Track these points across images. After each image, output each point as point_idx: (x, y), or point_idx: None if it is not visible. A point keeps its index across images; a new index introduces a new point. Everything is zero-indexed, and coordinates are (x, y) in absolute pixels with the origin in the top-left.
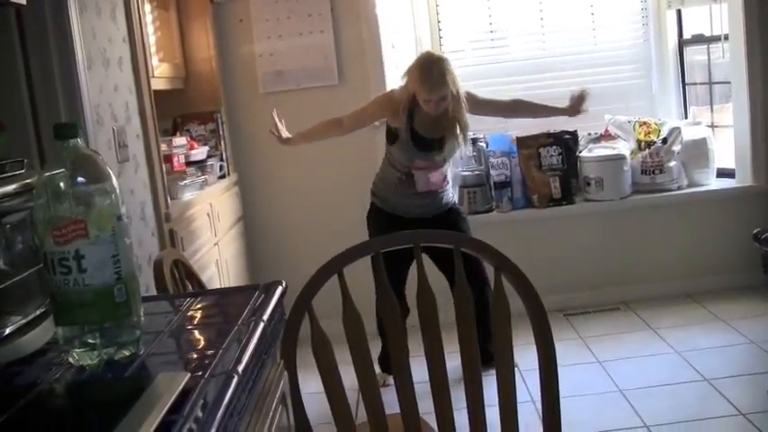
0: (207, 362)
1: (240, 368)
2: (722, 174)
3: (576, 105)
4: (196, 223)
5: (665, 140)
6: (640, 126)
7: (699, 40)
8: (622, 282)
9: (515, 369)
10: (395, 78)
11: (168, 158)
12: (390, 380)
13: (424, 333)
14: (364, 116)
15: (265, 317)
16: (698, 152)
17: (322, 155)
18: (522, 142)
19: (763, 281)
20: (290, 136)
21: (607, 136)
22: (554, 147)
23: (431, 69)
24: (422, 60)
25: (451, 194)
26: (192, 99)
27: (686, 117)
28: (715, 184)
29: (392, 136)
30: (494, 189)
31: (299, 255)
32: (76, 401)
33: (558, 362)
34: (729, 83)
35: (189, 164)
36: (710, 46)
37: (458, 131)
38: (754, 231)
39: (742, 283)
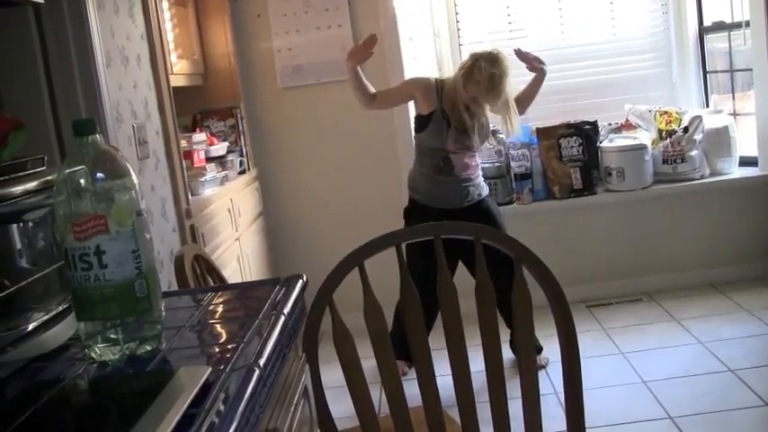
0: (228, 356)
1: (261, 361)
2: (745, 162)
3: (533, 64)
4: (217, 219)
5: (686, 129)
6: (661, 115)
7: (719, 27)
8: (645, 272)
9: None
10: (413, 71)
11: (188, 155)
12: (407, 368)
13: (446, 326)
14: (392, 94)
15: (286, 310)
16: (720, 141)
17: (342, 149)
18: (542, 133)
19: None
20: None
21: (627, 126)
22: (574, 137)
23: (492, 79)
24: (484, 63)
25: (485, 188)
26: (211, 95)
27: (707, 105)
28: (738, 172)
29: (421, 123)
30: (514, 181)
31: (320, 248)
32: (99, 397)
33: (582, 353)
34: (751, 70)
35: (209, 160)
36: (731, 33)
37: (484, 120)
38: None
39: (766, 273)
